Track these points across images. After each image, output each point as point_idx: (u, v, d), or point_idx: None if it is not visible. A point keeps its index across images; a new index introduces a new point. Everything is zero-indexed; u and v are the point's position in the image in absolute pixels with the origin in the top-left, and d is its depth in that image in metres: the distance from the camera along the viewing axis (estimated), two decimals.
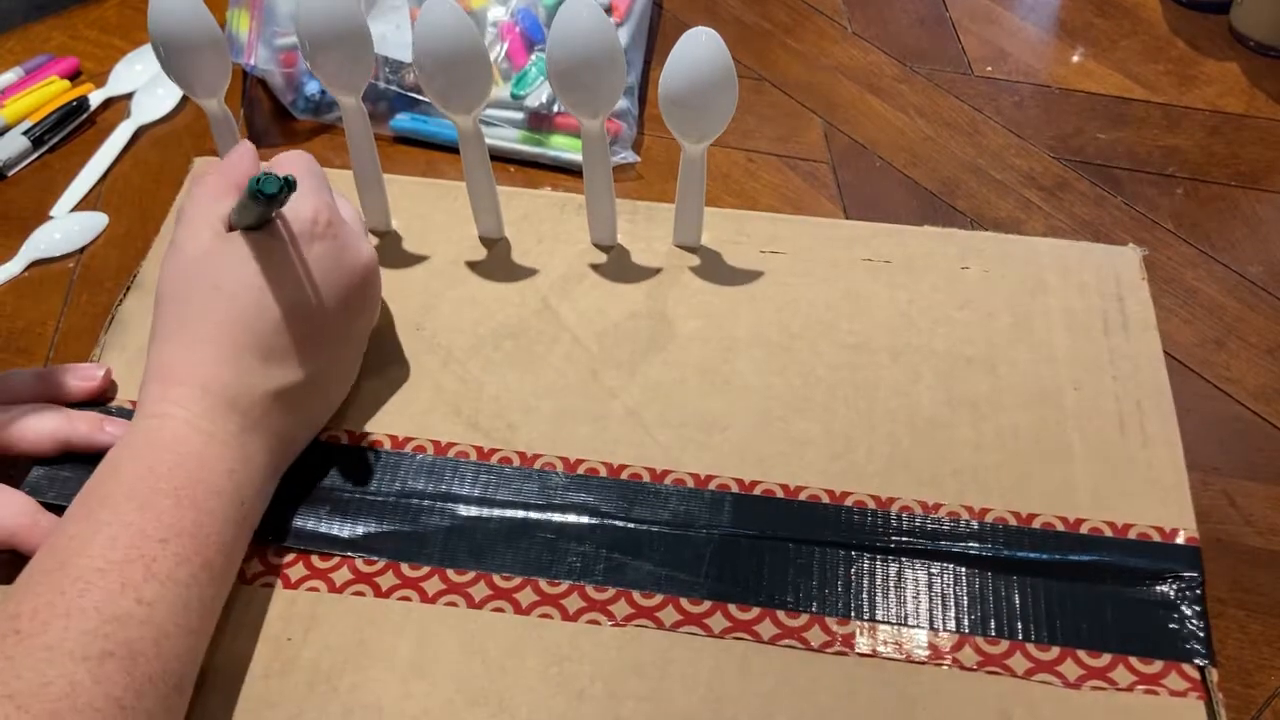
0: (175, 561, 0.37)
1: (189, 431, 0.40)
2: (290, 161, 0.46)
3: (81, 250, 0.58)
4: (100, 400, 0.48)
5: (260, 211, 0.42)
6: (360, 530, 0.44)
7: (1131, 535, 0.43)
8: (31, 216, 0.60)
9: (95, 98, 0.66)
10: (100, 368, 0.48)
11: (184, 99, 0.66)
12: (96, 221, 0.59)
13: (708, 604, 0.42)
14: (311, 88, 0.63)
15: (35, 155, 0.63)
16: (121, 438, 0.41)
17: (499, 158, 0.61)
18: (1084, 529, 0.43)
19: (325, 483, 0.45)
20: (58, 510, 0.40)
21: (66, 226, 0.59)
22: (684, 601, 0.42)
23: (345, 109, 0.50)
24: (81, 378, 0.48)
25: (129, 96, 0.67)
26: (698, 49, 0.44)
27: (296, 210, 0.43)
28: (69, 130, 0.64)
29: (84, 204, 0.61)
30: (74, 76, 0.68)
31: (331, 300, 0.44)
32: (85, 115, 0.65)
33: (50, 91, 0.66)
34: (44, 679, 0.32)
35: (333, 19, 0.46)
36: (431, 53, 0.45)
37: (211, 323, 0.42)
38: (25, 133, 0.63)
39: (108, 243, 0.59)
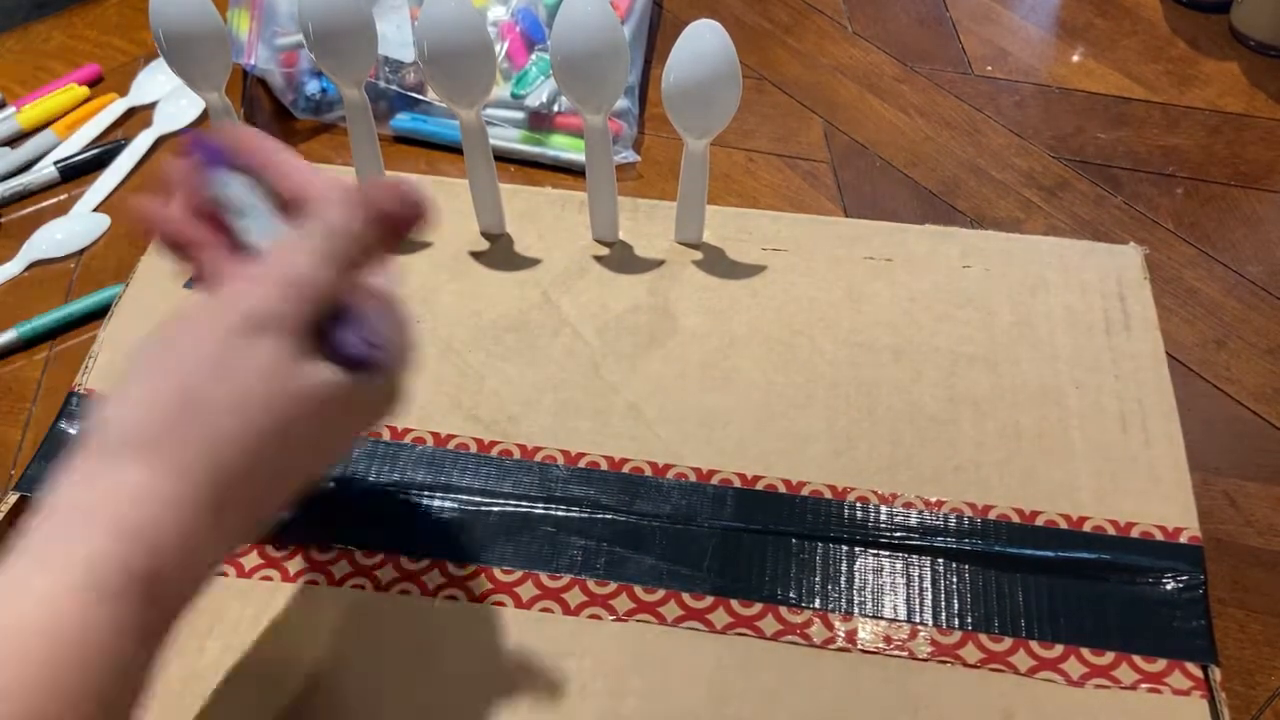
0: None
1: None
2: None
3: (82, 251, 0.58)
4: None
5: None
6: (359, 522, 0.44)
7: (1134, 534, 0.43)
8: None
9: (118, 107, 0.66)
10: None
11: (206, 110, 0.66)
12: (97, 222, 0.59)
13: (710, 599, 0.41)
14: (312, 87, 0.63)
15: (59, 184, 0.61)
16: None
17: (499, 158, 0.61)
18: (1087, 527, 0.43)
19: None
20: None
21: (67, 227, 0.59)
22: (686, 597, 0.41)
23: (348, 101, 0.49)
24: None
25: (152, 106, 0.66)
26: (702, 41, 0.44)
27: None
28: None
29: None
30: (94, 83, 0.68)
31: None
32: (119, 153, 0.63)
33: (69, 98, 0.66)
34: None
35: (335, 4, 0.46)
36: (435, 44, 0.45)
37: None
38: (57, 163, 0.62)
39: (108, 243, 0.58)
